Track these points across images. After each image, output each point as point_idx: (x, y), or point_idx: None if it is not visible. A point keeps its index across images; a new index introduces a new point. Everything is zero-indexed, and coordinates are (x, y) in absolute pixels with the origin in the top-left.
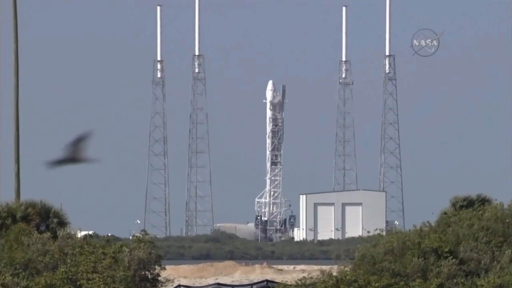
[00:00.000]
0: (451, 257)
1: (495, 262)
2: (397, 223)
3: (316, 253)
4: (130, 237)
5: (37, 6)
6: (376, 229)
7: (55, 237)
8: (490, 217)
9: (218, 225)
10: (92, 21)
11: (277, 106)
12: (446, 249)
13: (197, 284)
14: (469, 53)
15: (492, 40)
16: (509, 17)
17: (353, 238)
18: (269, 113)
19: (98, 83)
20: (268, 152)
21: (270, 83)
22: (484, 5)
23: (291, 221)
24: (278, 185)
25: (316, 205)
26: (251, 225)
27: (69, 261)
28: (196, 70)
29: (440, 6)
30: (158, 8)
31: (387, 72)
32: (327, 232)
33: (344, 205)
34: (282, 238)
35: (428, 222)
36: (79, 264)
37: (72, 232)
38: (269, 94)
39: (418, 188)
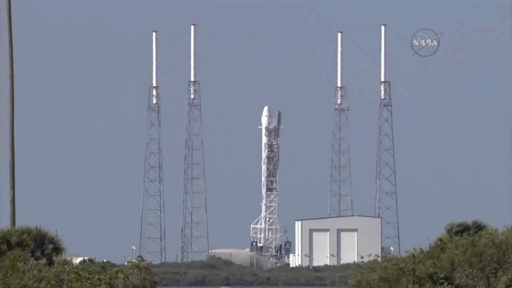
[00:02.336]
0: (447, 283)
1: None
2: (393, 249)
3: (311, 279)
4: (126, 263)
5: (32, 41)
6: (370, 254)
7: (50, 263)
8: (485, 243)
9: (213, 251)
10: (88, 47)
11: (273, 132)
12: (441, 275)
13: None
14: (465, 72)
15: (491, 61)
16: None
17: (348, 264)
18: (264, 139)
19: (93, 109)
20: (263, 178)
21: (265, 109)
22: (484, 7)
23: (287, 247)
24: (274, 211)
25: (311, 231)
26: (247, 251)
27: (65, 287)
28: (192, 96)
29: (438, 21)
30: (154, 34)
31: (382, 98)
32: (322, 258)
33: (339, 231)
34: (278, 264)
35: (420, 248)
36: None
37: (68, 258)
38: (264, 120)
39: (414, 214)
